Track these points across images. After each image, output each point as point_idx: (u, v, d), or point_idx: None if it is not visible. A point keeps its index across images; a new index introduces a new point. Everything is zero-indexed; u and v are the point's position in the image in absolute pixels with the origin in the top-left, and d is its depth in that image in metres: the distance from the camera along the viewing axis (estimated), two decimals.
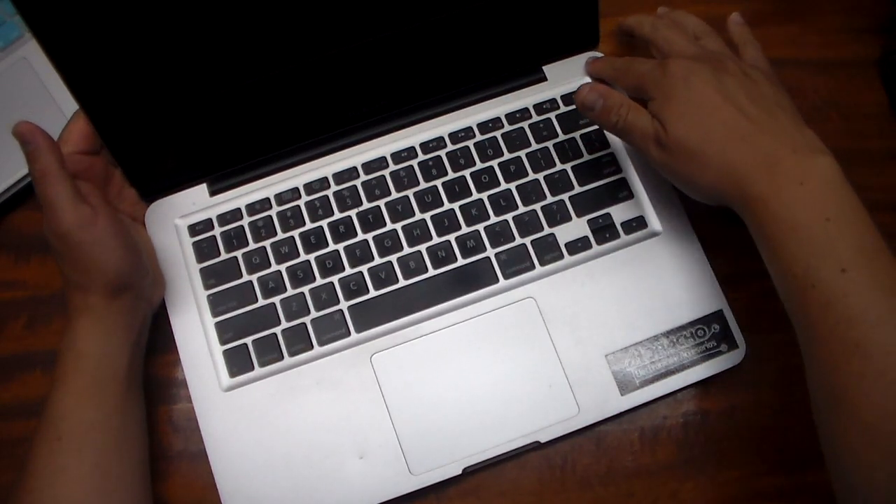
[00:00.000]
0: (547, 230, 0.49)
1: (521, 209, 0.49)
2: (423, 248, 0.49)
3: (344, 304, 0.48)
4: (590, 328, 0.47)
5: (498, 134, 0.51)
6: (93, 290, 0.43)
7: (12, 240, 0.52)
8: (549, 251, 0.49)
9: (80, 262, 0.42)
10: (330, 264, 0.49)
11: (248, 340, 0.47)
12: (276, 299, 0.48)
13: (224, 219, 0.50)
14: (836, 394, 0.36)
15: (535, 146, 0.51)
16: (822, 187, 0.38)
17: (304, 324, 0.48)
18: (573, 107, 0.52)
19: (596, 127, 0.51)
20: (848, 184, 0.39)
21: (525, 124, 0.51)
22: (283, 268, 0.49)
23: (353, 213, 0.50)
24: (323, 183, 0.51)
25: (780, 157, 0.39)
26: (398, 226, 0.49)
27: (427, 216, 0.50)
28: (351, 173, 0.51)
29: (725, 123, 0.41)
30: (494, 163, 0.51)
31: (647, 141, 0.44)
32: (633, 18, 0.52)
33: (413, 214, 0.50)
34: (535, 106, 0.52)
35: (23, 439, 0.47)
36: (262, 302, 0.48)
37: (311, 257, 0.49)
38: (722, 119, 0.41)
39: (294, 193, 0.51)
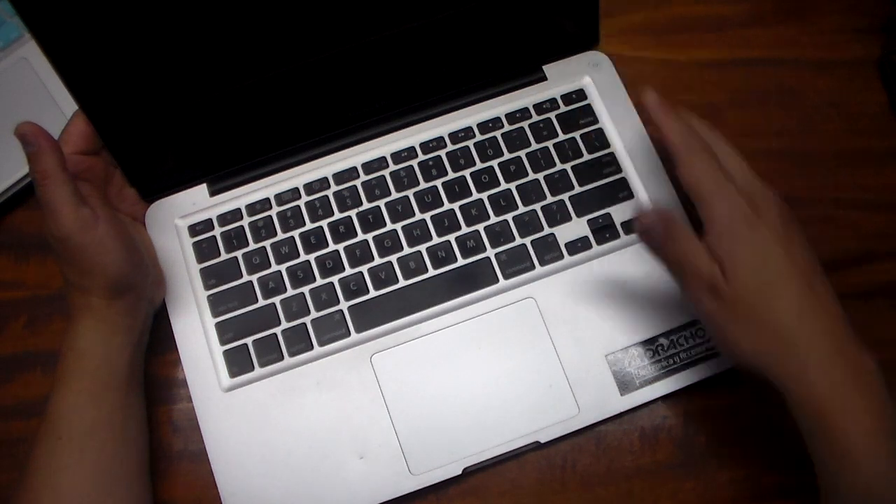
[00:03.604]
0: (547, 230, 0.48)
1: (521, 209, 0.48)
2: (423, 248, 0.48)
3: (344, 305, 0.47)
4: (590, 328, 0.46)
5: (498, 134, 0.50)
6: (94, 292, 0.41)
7: (12, 240, 0.51)
8: (549, 251, 0.47)
9: (81, 265, 0.41)
10: (330, 264, 0.48)
11: (249, 341, 0.46)
12: (277, 299, 0.47)
13: (224, 219, 0.49)
14: None
15: (535, 146, 0.50)
16: (873, 390, 0.36)
17: (304, 324, 0.46)
18: (573, 106, 0.50)
19: (596, 126, 0.50)
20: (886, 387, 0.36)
21: (525, 124, 0.50)
22: (283, 268, 0.48)
23: (353, 213, 0.49)
24: (323, 183, 0.49)
25: (838, 346, 0.37)
26: (398, 226, 0.48)
27: (427, 216, 0.48)
28: (351, 173, 0.50)
29: (793, 295, 0.37)
30: (494, 163, 0.49)
31: (701, 285, 0.38)
32: (658, 110, 0.41)
33: (413, 214, 0.48)
34: (535, 106, 0.50)
35: (23, 439, 0.46)
36: (262, 302, 0.47)
37: (312, 257, 0.48)
38: (792, 290, 0.37)
39: (294, 194, 0.49)
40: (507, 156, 0.49)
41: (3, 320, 0.50)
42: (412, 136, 0.50)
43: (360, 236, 0.48)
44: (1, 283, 0.50)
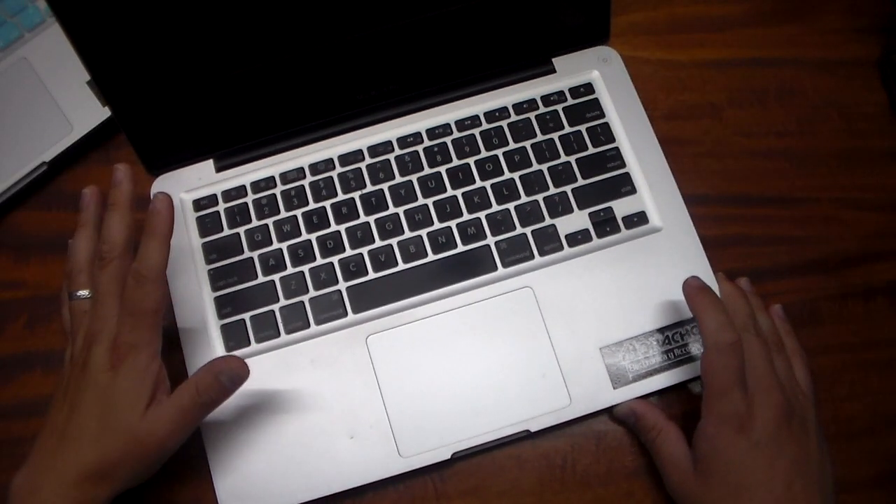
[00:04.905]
0: (548, 221, 0.47)
1: (524, 199, 0.48)
2: (423, 232, 0.47)
3: (342, 285, 0.46)
4: (586, 320, 0.45)
5: (504, 123, 0.49)
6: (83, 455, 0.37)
7: (12, 240, 0.50)
8: (549, 242, 0.47)
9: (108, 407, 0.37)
10: (331, 245, 0.47)
11: (246, 316, 0.46)
12: (276, 277, 0.47)
13: (229, 195, 0.49)
14: None
15: (540, 137, 0.49)
16: None
17: (302, 302, 0.46)
18: (580, 100, 0.50)
19: (602, 121, 0.49)
20: None
21: (532, 115, 0.50)
22: (284, 246, 0.47)
23: (356, 195, 0.48)
24: (328, 164, 0.49)
25: None
26: (400, 210, 0.48)
27: (429, 202, 0.48)
28: (356, 156, 0.49)
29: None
30: (499, 152, 0.49)
31: (669, 464, 0.41)
32: (696, 296, 0.41)
33: (416, 199, 0.48)
34: (542, 97, 0.50)
35: (23, 439, 0.45)
36: (261, 279, 0.47)
37: (313, 237, 0.47)
38: (758, 500, 0.38)
39: (299, 173, 0.49)
40: (511, 145, 0.49)
41: (3, 320, 0.49)
42: (419, 121, 0.50)
43: (362, 218, 0.48)
44: (1, 283, 0.49)
